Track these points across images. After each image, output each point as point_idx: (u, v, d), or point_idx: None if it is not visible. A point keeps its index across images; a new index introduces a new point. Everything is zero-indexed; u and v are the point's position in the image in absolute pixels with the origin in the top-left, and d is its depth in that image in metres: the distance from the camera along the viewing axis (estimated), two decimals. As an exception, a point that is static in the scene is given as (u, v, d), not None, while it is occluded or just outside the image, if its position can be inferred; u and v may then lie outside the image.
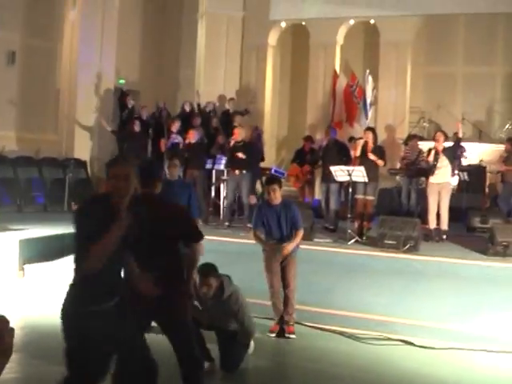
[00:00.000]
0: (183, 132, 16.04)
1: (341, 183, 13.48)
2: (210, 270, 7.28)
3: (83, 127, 18.05)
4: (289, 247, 8.94)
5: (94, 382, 4.98)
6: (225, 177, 15.09)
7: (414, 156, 14.54)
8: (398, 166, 15.86)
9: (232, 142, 13.94)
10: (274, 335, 8.89)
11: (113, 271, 4.86)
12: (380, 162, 13.36)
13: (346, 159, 13.63)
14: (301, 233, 9.13)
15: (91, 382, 4.97)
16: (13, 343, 1.95)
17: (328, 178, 13.63)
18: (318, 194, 15.94)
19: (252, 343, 7.92)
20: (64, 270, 7.06)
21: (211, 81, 20.59)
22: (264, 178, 16.92)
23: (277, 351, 8.58)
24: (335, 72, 20.22)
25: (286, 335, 8.97)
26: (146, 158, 15.60)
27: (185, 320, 5.71)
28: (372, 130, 13.94)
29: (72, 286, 4.79)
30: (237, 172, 13.88)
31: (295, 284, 9.05)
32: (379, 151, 13.45)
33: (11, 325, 1.88)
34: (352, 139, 15.94)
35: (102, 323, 4.72)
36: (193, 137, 14.75)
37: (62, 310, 4.77)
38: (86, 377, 4.89)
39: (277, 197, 8.99)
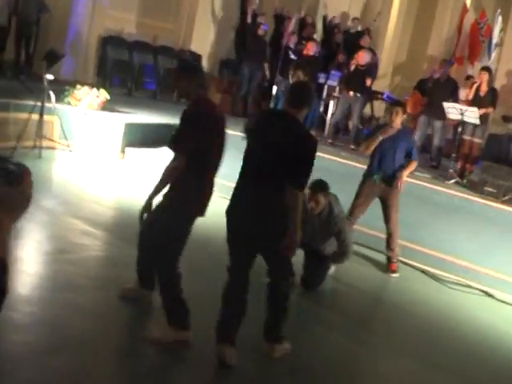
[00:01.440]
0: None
1: (444, 121, 13.02)
2: (321, 185, 7.23)
3: (203, 21, 17.98)
4: (404, 175, 8.75)
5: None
6: (336, 94, 14.93)
7: (531, 105, 13.98)
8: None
9: (353, 66, 13.68)
10: None
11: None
12: (489, 110, 12.66)
13: (452, 99, 12.97)
14: (415, 163, 8.94)
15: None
16: (32, 193, 2.04)
17: (433, 112, 13.11)
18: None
19: (333, 266, 7.95)
20: (162, 158, 7.15)
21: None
22: (374, 102, 16.73)
23: (355, 278, 8.58)
24: (465, 6, 19.51)
25: (389, 274, 8.92)
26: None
27: None
28: (488, 69, 13.09)
29: None
30: (351, 93, 13.70)
31: (397, 217, 8.84)
32: (492, 94, 12.72)
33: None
34: (469, 78, 15.45)
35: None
36: (311, 49, 14.54)
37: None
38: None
39: (397, 121, 8.71)
